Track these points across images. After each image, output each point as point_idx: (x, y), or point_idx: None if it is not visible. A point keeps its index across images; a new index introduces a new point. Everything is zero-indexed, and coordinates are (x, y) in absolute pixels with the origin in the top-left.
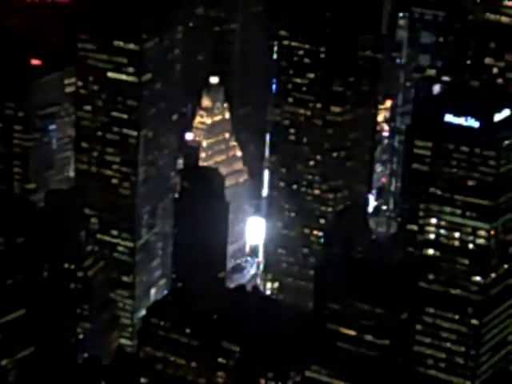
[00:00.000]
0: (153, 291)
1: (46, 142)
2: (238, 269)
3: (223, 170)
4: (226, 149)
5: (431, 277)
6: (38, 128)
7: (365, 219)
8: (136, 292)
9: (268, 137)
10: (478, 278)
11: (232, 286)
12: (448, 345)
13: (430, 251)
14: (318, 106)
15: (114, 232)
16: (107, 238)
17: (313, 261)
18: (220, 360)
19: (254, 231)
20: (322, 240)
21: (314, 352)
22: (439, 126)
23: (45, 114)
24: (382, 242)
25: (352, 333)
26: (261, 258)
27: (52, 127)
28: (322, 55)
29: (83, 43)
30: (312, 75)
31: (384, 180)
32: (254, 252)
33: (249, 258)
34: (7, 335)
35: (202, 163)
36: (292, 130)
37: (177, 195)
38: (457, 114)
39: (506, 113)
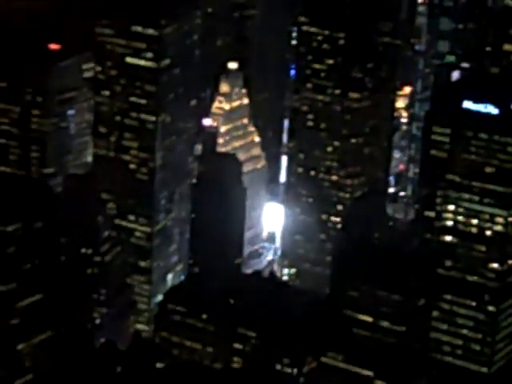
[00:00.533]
0: (170, 276)
1: (64, 127)
2: (255, 255)
3: (241, 156)
4: (244, 134)
5: (448, 263)
6: (56, 113)
7: (383, 205)
8: (153, 277)
9: (286, 123)
10: (495, 265)
11: (249, 271)
12: (465, 331)
13: (448, 238)
14: (337, 92)
15: (132, 217)
16: (124, 223)
17: (330, 247)
18: (236, 345)
19: (271, 217)
20: (339, 226)
21: (330, 338)
22: (458, 113)
23: (63, 99)
24: (400, 229)
25: (369, 319)
26: (278, 244)
27: (70, 112)
28: (341, 41)
29: (102, 28)
30: (331, 61)
31: (402, 166)
32: (271, 238)
33: (266, 244)
34: (24, 320)
35: (219, 149)
36: (310, 116)
37: (194, 181)
38: (476, 101)
39: None
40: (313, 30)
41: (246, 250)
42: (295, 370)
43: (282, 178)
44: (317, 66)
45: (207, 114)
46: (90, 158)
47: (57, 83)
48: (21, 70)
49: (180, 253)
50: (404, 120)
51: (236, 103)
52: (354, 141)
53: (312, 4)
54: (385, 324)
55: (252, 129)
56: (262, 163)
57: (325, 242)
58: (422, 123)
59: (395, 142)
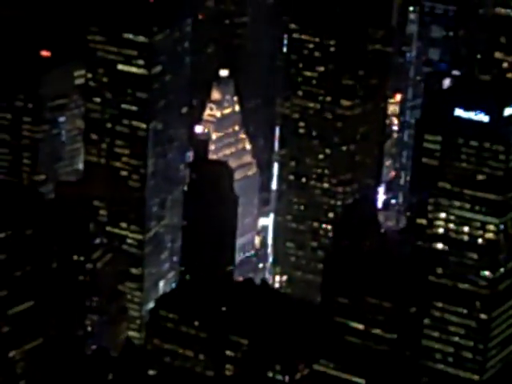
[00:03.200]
0: (161, 284)
1: (56, 134)
2: (247, 262)
3: (232, 163)
4: (236, 142)
5: (440, 271)
6: (47, 120)
7: (374, 213)
8: (144, 284)
9: (277, 130)
10: (486, 273)
11: (240, 279)
12: (456, 339)
13: (439, 245)
14: (328, 99)
15: (123, 224)
16: (116, 230)
17: (321, 254)
18: (228, 353)
19: (263, 224)
20: (330, 234)
21: (322, 345)
22: (449, 120)
23: (54, 106)
24: (391, 236)
25: (360, 327)
26: (269, 251)
27: (61, 119)
28: (332, 49)
29: (93, 35)
30: (322, 68)
31: (393, 174)
32: (263, 245)
33: (258, 252)
34: (16, 327)
35: (211, 156)
36: (302, 124)
37: (186, 188)
38: (467, 109)
39: None
40: (304, 37)
41: (238, 258)
42: (287, 377)
43: (274, 185)
44: (308, 73)
45: (198, 121)
46: (81, 165)
47: (48, 90)
48: (12, 77)
49: (172, 260)
50: (395, 127)
51: (227, 110)
52: (345, 148)
53: (303, 11)
54: (376, 331)
55: (243, 136)
56: (253, 170)
57: (316, 250)
58: (413, 131)
59: (386, 150)
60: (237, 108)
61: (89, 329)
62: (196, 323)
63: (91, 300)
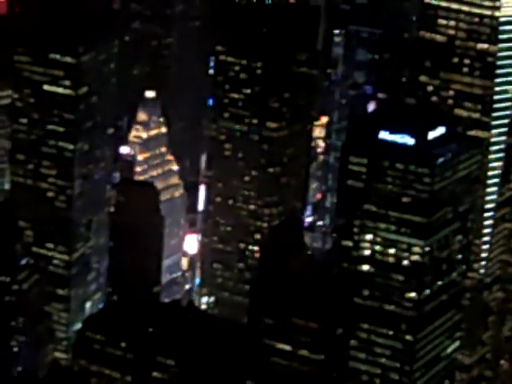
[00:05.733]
0: (88, 305)
1: None
2: (174, 283)
3: (159, 184)
4: (162, 163)
5: (366, 292)
6: None
7: (300, 235)
8: (71, 305)
9: (204, 152)
10: (412, 294)
11: (167, 300)
12: (383, 360)
13: (365, 267)
14: (254, 121)
15: (50, 245)
16: (42, 251)
17: (248, 276)
18: (155, 374)
19: (189, 246)
20: (257, 255)
21: (249, 367)
22: (374, 143)
23: None
24: (318, 258)
25: (287, 348)
26: (196, 272)
27: None
28: (259, 71)
29: (19, 55)
30: (248, 91)
31: (319, 196)
32: (189, 267)
33: (184, 273)
34: None
35: (137, 177)
36: (228, 145)
37: (112, 209)
38: (392, 131)
39: (440, 130)
40: (230, 59)
41: (165, 279)
42: None
43: (201, 206)
44: (234, 95)
45: (125, 142)
46: (7, 186)
47: None
48: None
49: (98, 281)
50: (321, 150)
51: (154, 132)
52: (271, 170)
53: (229, 33)
54: (303, 353)
55: (170, 157)
56: (180, 192)
57: (243, 271)
58: (339, 153)
59: (312, 172)
60: (163, 129)
61: (15, 350)
62: (123, 344)
63: (17, 321)
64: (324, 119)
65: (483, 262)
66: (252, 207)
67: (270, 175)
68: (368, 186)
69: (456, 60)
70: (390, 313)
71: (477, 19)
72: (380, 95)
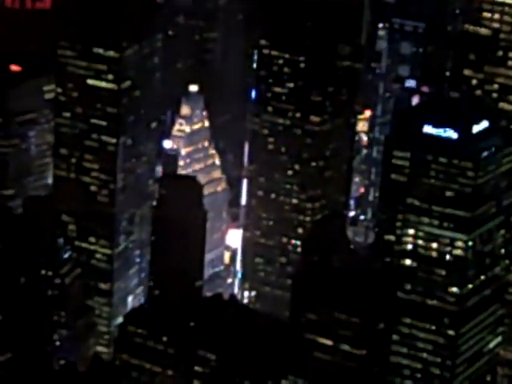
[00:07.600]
0: (130, 299)
1: (25, 149)
2: (216, 277)
3: (201, 179)
4: (205, 157)
5: (408, 287)
6: (16, 134)
7: (343, 229)
8: (113, 299)
9: (247, 145)
10: (454, 289)
11: (209, 294)
12: (424, 355)
13: (408, 261)
14: (297, 115)
15: (92, 239)
16: (85, 245)
17: (290, 270)
18: (196, 368)
19: (232, 240)
20: (299, 249)
21: (290, 361)
22: (418, 137)
23: (24, 121)
24: (360, 252)
25: (329, 342)
26: (238, 266)
27: (31, 133)
28: (302, 65)
29: (63, 50)
30: (291, 85)
31: (362, 190)
32: (231, 261)
33: (227, 267)
34: None
35: (180, 171)
36: (271, 139)
37: (155, 203)
38: (435, 125)
39: (484, 124)
40: (273, 53)
41: (207, 273)
42: None
43: (243, 200)
44: (277, 89)
45: (168, 136)
46: (50, 180)
47: (17, 104)
48: None
49: (140, 275)
50: (364, 144)
51: (197, 126)
52: (314, 164)
53: (273, 27)
54: (345, 347)
55: (213, 151)
56: (222, 186)
57: (285, 265)
58: (382, 147)
59: (355, 166)
60: (206, 123)
61: (57, 344)
62: (164, 338)
63: (59, 315)
64: (368, 113)
65: None
66: (295, 201)
67: (313, 169)
68: (411, 180)
69: (500, 53)
70: (432, 307)
71: None
72: (424, 89)
